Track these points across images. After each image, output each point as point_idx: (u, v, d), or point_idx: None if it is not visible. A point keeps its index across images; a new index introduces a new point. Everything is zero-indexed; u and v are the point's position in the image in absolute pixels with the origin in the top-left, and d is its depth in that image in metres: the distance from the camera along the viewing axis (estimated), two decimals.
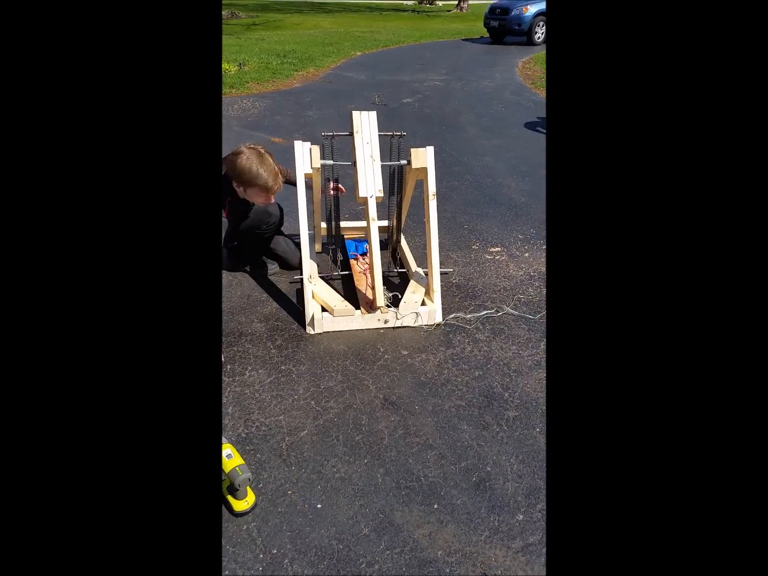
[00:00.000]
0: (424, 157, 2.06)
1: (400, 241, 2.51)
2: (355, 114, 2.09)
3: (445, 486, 1.40)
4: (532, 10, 10.66)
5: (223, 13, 17.63)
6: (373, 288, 1.99)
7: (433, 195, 2.10)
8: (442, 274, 2.43)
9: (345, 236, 2.62)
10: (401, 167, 2.17)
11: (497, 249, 2.70)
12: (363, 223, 2.62)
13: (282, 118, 5.27)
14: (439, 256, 2.59)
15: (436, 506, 1.35)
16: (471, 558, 1.23)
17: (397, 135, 2.14)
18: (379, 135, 2.10)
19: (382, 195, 2.02)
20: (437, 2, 26.47)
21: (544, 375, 1.81)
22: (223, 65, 7.57)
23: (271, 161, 2.03)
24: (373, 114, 2.10)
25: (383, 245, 2.51)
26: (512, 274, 2.46)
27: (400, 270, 2.43)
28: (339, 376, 1.80)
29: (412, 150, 2.07)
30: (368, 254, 2.36)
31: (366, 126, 2.07)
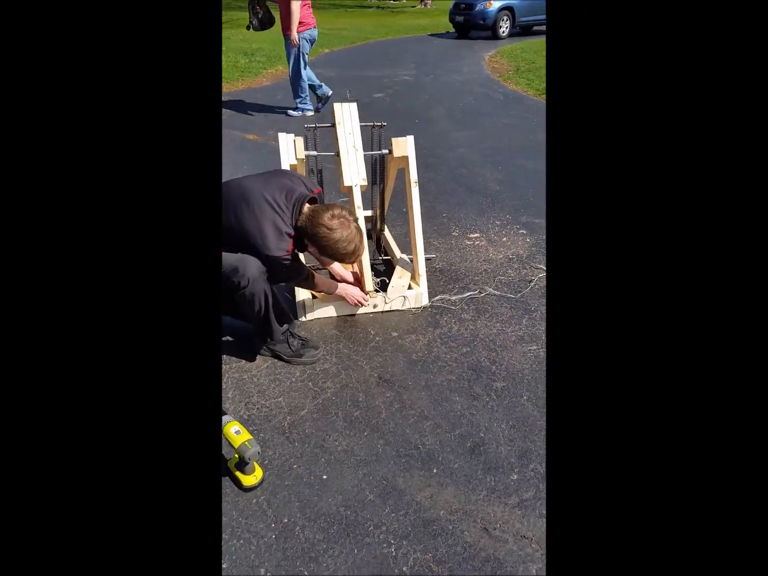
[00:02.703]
0: (404, 146, 2.13)
1: (383, 230, 2.58)
2: (337, 106, 2.14)
3: (442, 452, 1.48)
4: (495, 5, 10.84)
5: None
6: (361, 274, 2.06)
7: (415, 182, 2.18)
8: (426, 260, 2.52)
9: None
10: (383, 157, 2.24)
11: (476, 235, 2.80)
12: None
13: (254, 116, 5.27)
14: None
15: (435, 471, 1.43)
16: (471, 515, 1.31)
17: (377, 125, 2.20)
18: (360, 126, 2.16)
19: (365, 184, 2.08)
20: None
21: (528, 348, 1.92)
22: None
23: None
24: (354, 105, 2.17)
25: (368, 235, 2.57)
26: (492, 258, 2.56)
27: (384, 257, 2.50)
28: (333, 358, 1.86)
29: (393, 139, 2.14)
30: None
31: (347, 117, 2.13)
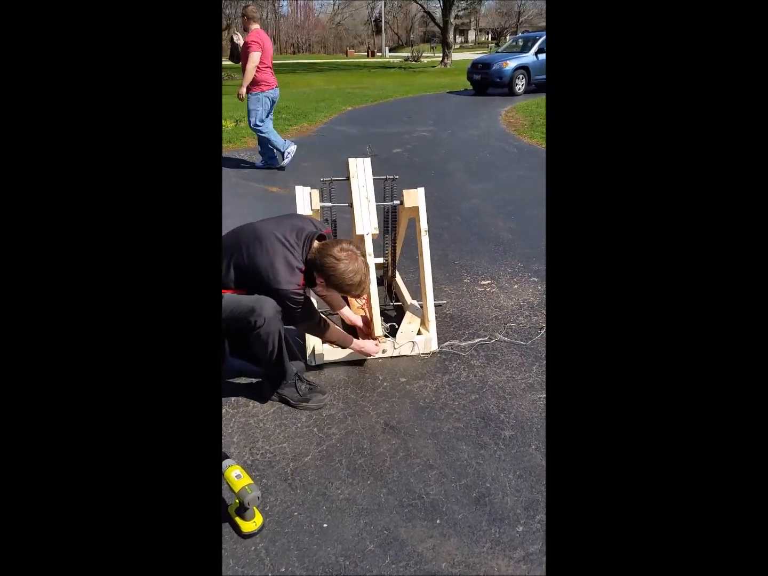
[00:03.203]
0: (415, 197, 2.21)
1: (395, 277, 2.63)
2: (351, 161, 2.25)
3: (446, 502, 1.45)
4: (511, 64, 11.33)
5: None
6: (371, 318, 2.09)
7: (425, 231, 2.24)
8: (435, 306, 2.54)
9: None
10: (394, 207, 2.32)
11: (487, 282, 2.83)
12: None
13: (278, 169, 5.52)
14: (432, 290, 2.72)
15: (438, 521, 1.39)
16: (474, 568, 1.27)
17: (390, 178, 2.30)
18: (373, 179, 2.26)
19: (377, 233, 2.15)
20: (422, 59, 27.96)
21: (538, 396, 1.89)
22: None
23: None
24: (368, 160, 2.27)
25: (380, 281, 2.62)
26: (503, 305, 2.57)
27: (395, 304, 2.53)
28: (340, 403, 1.86)
29: (405, 191, 2.22)
30: None
31: (361, 171, 2.23)
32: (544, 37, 11.52)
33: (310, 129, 8.17)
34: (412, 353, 2.15)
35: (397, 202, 2.27)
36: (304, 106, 10.31)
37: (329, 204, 2.24)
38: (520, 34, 11.78)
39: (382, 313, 2.49)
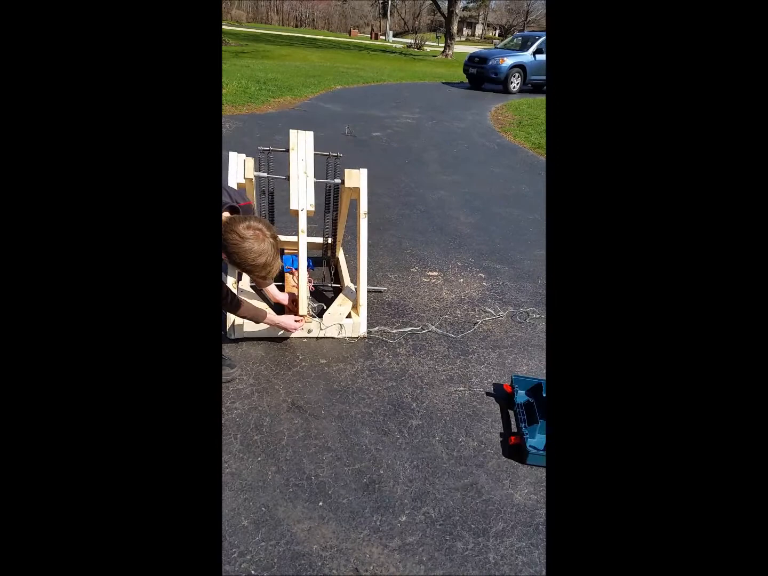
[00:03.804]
0: (357, 178, 2.16)
1: (337, 257, 2.58)
2: (293, 132, 2.18)
3: (334, 485, 1.43)
4: (508, 62, 11.26)
5: None
6: (297, 297, 2.04)
7: (365, 214, 2.19)
8: (375, 291, 2.52)
9: (285, 251, 2.68)
10: (336, 186, 2.26)
11: (434, 273, 2.80)
12: (310, 239, 2.69)
13: (249, 139, 5.38)
14: (377, 276, 2.69)
15: (321, 504, 1.37)
16: (345, 554, 1.25)
17: (333, 156, 2.24)
18: (316, 154, 2.20)
19: (312, 209, 2.09)
20: (425, 48, 27.65)
21: (454, 389, 1.87)
22: None
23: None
24: (310, 134, 2.20)
25: (320, 261, 2.57)
26: (444, 297, 2.55)
27: (334, 285, 2.49)
28: (250, 379, 1.82)
29: (346, 171, 2.16)
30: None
31: (302, 144, 2.16)
32: (543, 38, 11.47)
33: (294, 103, 8.00)
34: (339, 336, 2.11)
35: (338, 180, 2.21)
36: (292, 79, 10.10)
37: (264, 174, 2.17)
38: (518, 33, 11.64)
39: (320, 294, 2.45)
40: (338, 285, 2.48)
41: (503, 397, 1.84)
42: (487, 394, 1.87)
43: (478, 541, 1.31)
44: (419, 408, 1.76)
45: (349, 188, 2.16)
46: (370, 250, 2.99)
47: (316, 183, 2.17)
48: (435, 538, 1.31)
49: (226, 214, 1.62)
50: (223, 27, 22.83)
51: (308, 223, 2.11)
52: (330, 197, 2.30)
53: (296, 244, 2.71)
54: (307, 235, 2.81)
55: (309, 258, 2.58)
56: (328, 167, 2.27)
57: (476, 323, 2.32)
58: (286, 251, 2.70)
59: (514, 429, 1.70)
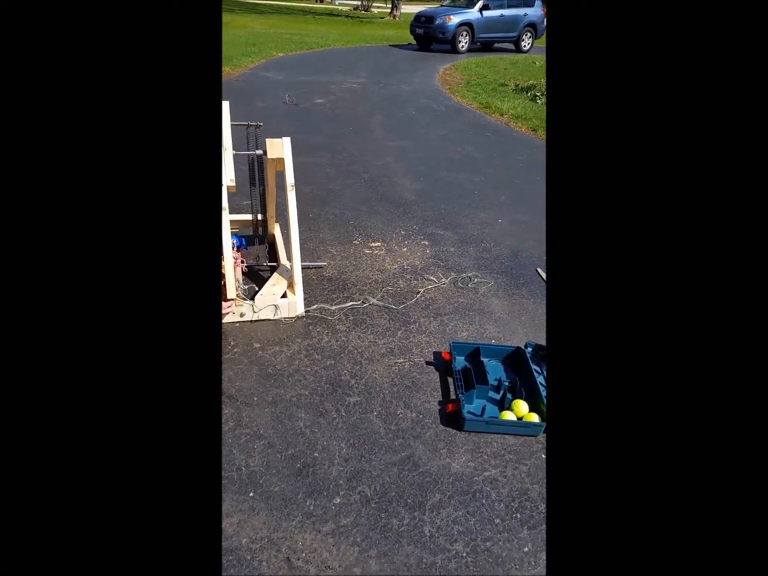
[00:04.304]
0: (280, 148, 2.04)
1: (272, 233, 2.47)
2: None
3: (266, 474, 1.37)
4: (455, 20, 10.98)
5: None
6: (223, 279, 1.94)
7: (292, 186, 2.08)
8: (315, 267, 2.43)
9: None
10: (260, 158, 2.13)
11: (377, 244, 2.73)
12: (240, 216, 2.57)
13: None
14: (318, 251, 2.60)
15: (252, 494, 1.32)
16: (276, 544, 1.20)
17: (252, 125, 2.10)
18: (234, 125, 2.06)
19: (233, 185, 1.97)
20: (372, 9, 26.77)
21: (394, 362, 1.84)
22: None
23: None
24: (226, 103, 2.06)
25: (253, 239, 2.45)
26: (386, 268, 2.49)
27: (270, 264, 2.39)
28: None
29: (268, 140, 2.04)
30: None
31: None
32: None
33: (233, 74, 7.62)
34: (275, 317, 2.03)
35: (259, 151, 2.09)
36: (231, 50, 9.59)
37: None
38: None
39: (255, 273, 2.35)
40: (274, 264, 2.38)
41: (442, 365, 1.82)
42: (427, 363, 1.84)
43: (414, 516, 1.29)
44: (358, 384, 1.72)
45: (273, 159, 2.05)
46: (310, 223, 2.90)
47: (237, 156, 2.05)
48: (370, 518, 1.28)
49: None
50: None
51: (242, 199, 2.00)
52: (254, 170, 2.17)
53: (238, 222, 2.59)
54: (240, 213, 2.69)
55: (242, 237, 2.47)
56: (249, 138, 2.14)
57: (418, 293, 2.27)
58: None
59: (453, 396, 1.68)
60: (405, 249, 2.69)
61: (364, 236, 2.80)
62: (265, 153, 2.04)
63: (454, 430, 1.54)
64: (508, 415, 1.56)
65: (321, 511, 1.29)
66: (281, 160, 2.04)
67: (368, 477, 1.39)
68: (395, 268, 2.49)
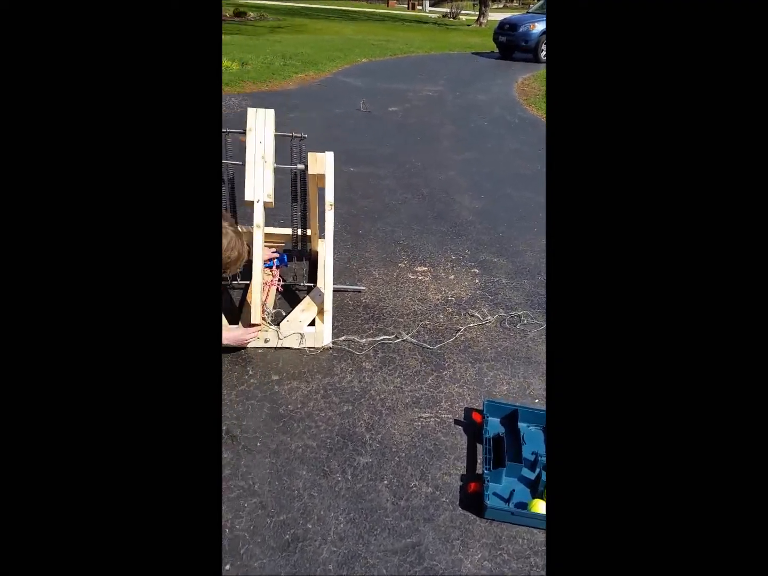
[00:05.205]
0: (322, 163, 1.89)
1: (315, 251, 2.33)
2: (251, 111, 1.92)
3: (249, 542, 1.21)
4: (539, 27, 10.44)
5: (252, 14, 17.92)
6: (250, 302, 1.81)
7: (331, 205, 1.92)
8: (352, 291, 2.26)
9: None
10: (303, 172, 1.99)
11: (424, 269, 2.51)
12: (280, 230, 2.45)
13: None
14: (359, 272, 2.43)
15: (227, 567, 1.15)
16: None
17: (296, 137, 1.96)
18: (277, 135, 1.93)
19: (271, 200, 1.84)
20: (460, 17, 26.45)
21: (419, 416, 1.61)
22: (225, 63, 7.58)
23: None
24: (271, 112, 1.93)
25: (282, 258, 2.30)
26: (429, 298, 2.26)
27: (308, 284, 2.24)
28: None
29: (310, 154, 1.90)
30: (274, 267, 2.19)
31: (260, 124, 1.90)
32: None
33: (315, 78, 7.70)
34: (300, 346, 1.87)
35: (301, 166, 1.94)
36: (318, 54, 9.75)
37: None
38: None
39: (291, 294, 2.21)
40: (311, 284, 2.23)
41: (472, 427, 1.57)
42: (456, 422, 1.60)
43: None
44: (372, 441, 1.51)
45: (314, 175, 1.89)
46: (358, 240, 2.74)
47: (278, 169, 1.92)
48: None
49: None
50: (263, 1, 22.62)
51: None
52: (296, 185, 2.03)
53: (279, 236, 2.48)
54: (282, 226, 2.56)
55: (284, 252, 2.34)
56: (292, 151, 2.00)
57: (458, 331, 2.03)
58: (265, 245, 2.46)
59: (479, 470, 1.43)
60: (452, 277, 2.45)
61: (411, 259, 2.59)
62: (306, 168, 1.89)
63: (474, 516, 1.30)
64: (541, 506, 1.29)
65: None
66: (322, 177, 1.89)
67: (363, 565, 1.18)
68: (438, 299, 2.26)
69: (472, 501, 1.33)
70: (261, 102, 5.82)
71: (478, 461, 1.46)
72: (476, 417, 1.57)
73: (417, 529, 1.26)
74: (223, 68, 7.44)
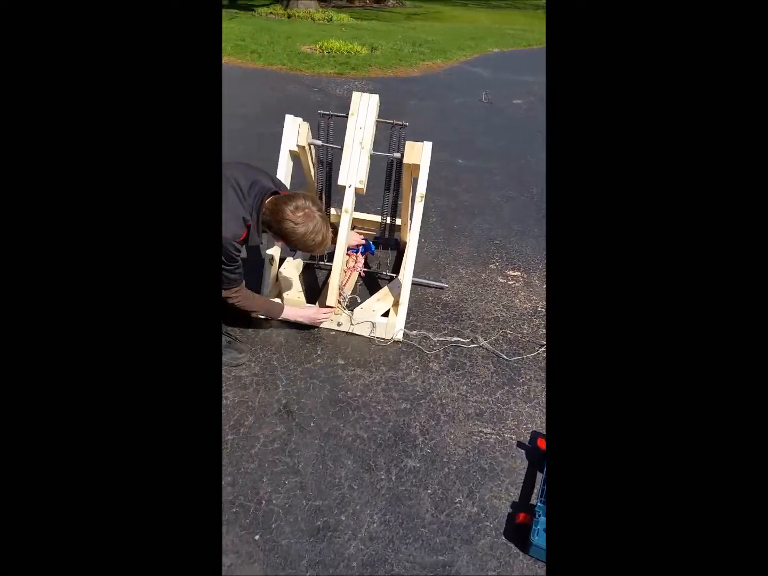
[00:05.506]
0: (418, 153, 1.82)
1: (405, 241, 2.29)
2: (356, 95, 1.91)
3: (282, 519, 1.22)
4: None
5: (391, 1, 18.20)
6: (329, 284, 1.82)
7: (422, 197, 1.86)
8: (434, 287, 2.19)
9: (354, 228, 2.46)
10: (399, 161, 1.94)
11: (516, 273, 2.36)
12: (372, 217, 2.44)
13: (381, 104, 5.19)
14: (446, 269, 2.35)
15: (257, 537, 1.18)
16: None
17: (398, 124, 1.92)
18: (379, 122, 1.90)
19: (362, 186, 1.82)
20: None
21: (479, 430, 1.52)
22: (356, 47, 7.78)
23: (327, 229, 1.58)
24: (375, 97, 1.91)
25: (375, 245, 2.27)
26: (515, 305, 2.12)
27: (390, 274, 2.21)
28: (257, 368, 1.67)
29: (408, 143, 1.84)
30: (358, 253, 2.19)
31: (363, 109, 1.88)
32: None
33: (442, 66, 7.60)
34: (370, 335, 1.86)
35: (397, 154, 1.90)
36: (449, 42, 9.61)
37: (319, 142, 1.94)
38: None
39: (374, 282, 2.20)
40: (394, 275, 2.20)
41: (535, 454, 1.44)
42: (519, 444, 1.48)
43: None
44: (425, 445, 1.45)
45: (409, 164, 1.84)
46: (451, 236, 2.65)
47: (375, 156, 1.90)
48: None
49: (270, 199, 1.54)
50: None
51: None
52: (391, 173, 1.99)
53: (370, 222, 2.48)
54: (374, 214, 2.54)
55: (373, 240, 2.33)
56: (391, 138, 1.97)
57: (542, 346, 1.88)
58: (357, 231, 2.47)
59: (533, 501, 1.31)
60: (546, 286, 2.26)
61: (504, 261, 2.45)
62: (402, 156, 1.85)
63: (517, 550, 1.19)
64: None
65: None
66: (417, 167, 1.83)
67: (387, 571, 1.13)
68: (526, 308, 2.11)
69: (519, 532, 1.22)
70: (384, 87, 5.86)
71: (534, 491, 1.34)
72: (542, 444, 1.44)
73: (452, 548, 1.19)
74: (351, 52, 7.61)
